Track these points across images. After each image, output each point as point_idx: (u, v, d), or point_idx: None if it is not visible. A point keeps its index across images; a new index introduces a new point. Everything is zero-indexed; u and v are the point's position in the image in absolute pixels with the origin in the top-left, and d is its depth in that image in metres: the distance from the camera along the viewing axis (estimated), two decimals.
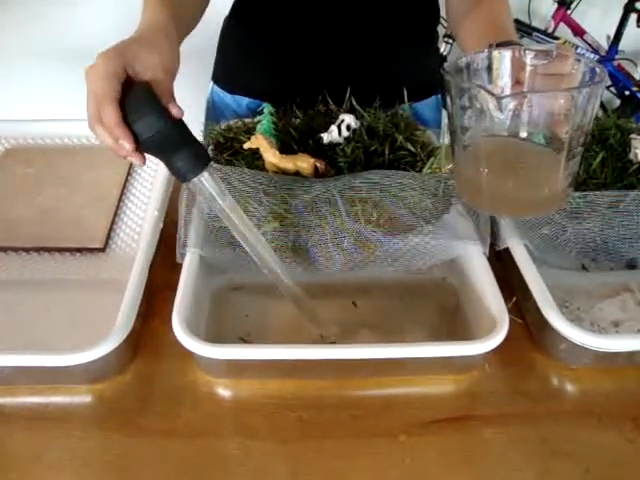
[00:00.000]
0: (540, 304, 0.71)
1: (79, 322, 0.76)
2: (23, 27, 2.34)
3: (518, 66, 0.66)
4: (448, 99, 0.68)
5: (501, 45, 0.79)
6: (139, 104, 0.64)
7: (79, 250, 0.84)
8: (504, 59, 0.67)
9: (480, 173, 0.68)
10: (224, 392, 0.71)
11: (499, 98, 0.62)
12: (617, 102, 2.62)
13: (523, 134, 0.66)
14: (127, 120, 0.63)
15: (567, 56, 0.64)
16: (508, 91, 0.67)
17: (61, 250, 0.85)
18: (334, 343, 0.75)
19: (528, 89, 0.68)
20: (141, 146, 0.64)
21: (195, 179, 0.66)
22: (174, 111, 0.65)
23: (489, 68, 0.69)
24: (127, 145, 0.63)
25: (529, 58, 0.64)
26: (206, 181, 0.66)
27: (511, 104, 0.63)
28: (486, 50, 0.70)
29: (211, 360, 0.66)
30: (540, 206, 0.72)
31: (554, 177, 0.68)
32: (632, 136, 0.89)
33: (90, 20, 2.32)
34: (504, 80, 0.68)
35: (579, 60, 0.65)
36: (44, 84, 2.42)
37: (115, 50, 0.67)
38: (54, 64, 2.40)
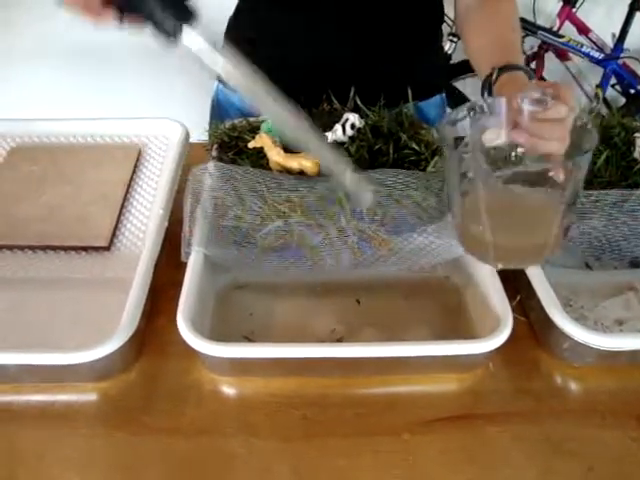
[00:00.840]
0: (544, 303, 0.71)
1: (84, 321, 0.76)
2: (26, 27, 2.34)
3: (515, 110, 0.67)
4: (445, 151, 0.69)
5: (504, 69, 0.80)
6: None
7: (84, 249, 0.85)
8: (500, 106, 0.69)
9: (481, 228, 0.69)
10: (228, 390, 0.72)
11: (489, 173, 0.64)
12: (622, 100, 2.61)
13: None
14: None
15: (561, 104, 0.65)
16: (505, 134, 0.68)
17: (66, 249, 0.85)
18: (340, 340, 0.75)
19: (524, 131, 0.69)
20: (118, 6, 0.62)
21: (186, 37, 0.62)
22: None
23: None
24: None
25: (526, 106, 0.66)
26: (197, 37, 0.63)
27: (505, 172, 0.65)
28: (481, 99, 0.71)
29: (215, 358, 0.67)
30: (538, 256, 0.73)
31: (550, 228, 0.69)
32: (636, 135, 0.89)
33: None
34: (502, 124, 0.69)
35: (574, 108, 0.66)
36: (47, 83, 2.42)
37: None
38: (57, 63, 2.40)
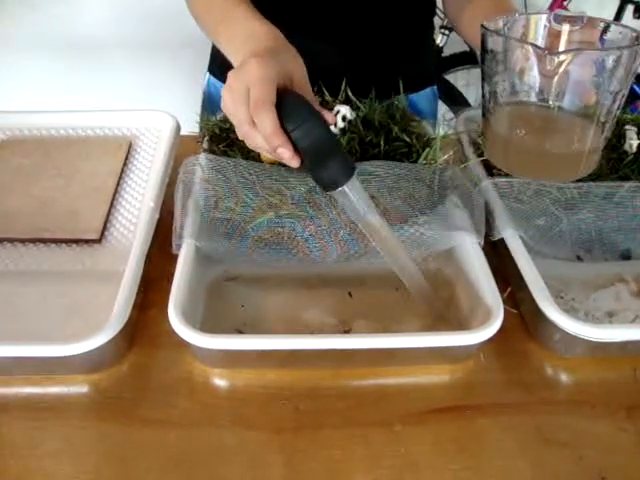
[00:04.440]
0: (535, 294, 0.71)
1: (75, 313, 0.76)
2: (16, 19, 2.33)
3: (552, 34, 0.66)
4: (484, 58, 0.68)
5: None
6: (298, 111, 0.64)
7: (75, 241, 0.84)
8: (540, 22, 0.68)
9: (512, 134, 0.68)
10: (220, 382, 0.72)
11: (550, 54, 0.62)
12: None
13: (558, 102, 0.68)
14: (283, 127, 0.63)
15: (596, 24, 0.65)
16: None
17: (57, 241, 0.84)
18: (332, 333, 0.75)
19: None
20: (298, 154, 0.65)
21: (344, 187, 0.66)
22: (329, 118, 0.67)
23: (523, 35, 0.70)
24: (287, 153, 0.64)
25: (563, 24, 0.65)
26: (353, 189, 0.67)
27: (555, 63, 0.64)
28: (523, 15, 0.70)
29: (207, 350, 0.66)
30: (569, 170, 0.73)
31: (585, 142, 0.68)
32: (627, 127, 0.89)
33: (88, 10, 2.31)
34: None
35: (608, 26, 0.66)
36: (38, 76, 2.41)
37: (270, 56, 0.68)
38: (48, 56, 2.39)
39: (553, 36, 0.69)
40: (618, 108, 0.71)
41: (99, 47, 2.31)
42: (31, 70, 2.41)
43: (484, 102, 0.77)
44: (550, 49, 0.69)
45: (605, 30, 0.69)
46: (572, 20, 0.66)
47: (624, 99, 0.70)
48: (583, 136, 0.71)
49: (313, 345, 0.66)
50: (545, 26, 0.71)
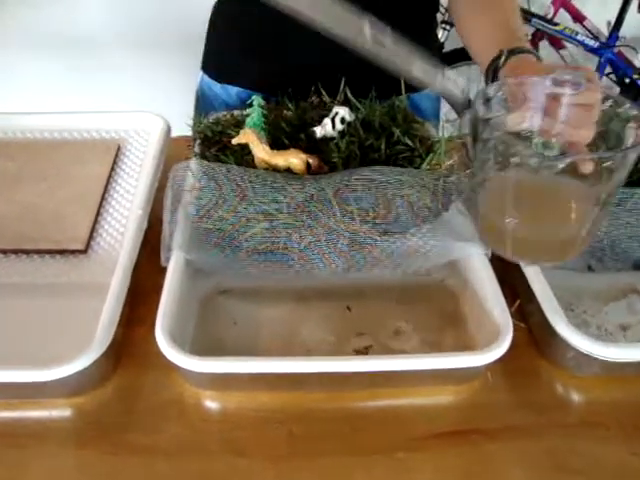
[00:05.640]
0: (545, 309, 0.68)
1: (60, 329, 0.72)
2: (20, 17, 2.30)
3: (550, 97, 0.64)
4: (472, 142, 0.66)
5: (513, 52, 0.76)
6: None
7: (60, 252, 0.80)
8: (539, 86, 0.66)
9: (505, 220, 0.67)
10: (211, 405, 0.68)
11: (549, 160, 0.62)
12: (617, 89, 2.58)
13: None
14: None
15: (594, 88, 0.63)
16: (537, 120, 0.66)
17: (41, 252, 0.80)
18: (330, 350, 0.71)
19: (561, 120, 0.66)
20: None
21: None
22: None
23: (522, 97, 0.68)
24: None
25: (566, 89, 0.63)
26: None
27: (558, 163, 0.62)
28: (516, 78, 0.69)
29: (196, 373, 0.63)
30: (564, 254, 0.71)
31: (580, 224, 0.67)
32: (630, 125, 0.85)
33: (88, 10, 2.27)
34: (534, 110, 0.66)
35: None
36: (28, 76, 2.38)
37: None
38: (39, 56, 2.36)
39: (552, 99, 0.66)
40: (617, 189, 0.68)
41: (91, 47, 2.27)
42: (31, 70, 2.38)
43: (473, 187, 0.74)
44: (548, 112, 0.66)
45: (606, 98, 0.66)
46: (571, 84, 0.64)
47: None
48: (581, 220, 0.69)
49: (308, 368, 0.62)
50: (542, 91, 0.68)
